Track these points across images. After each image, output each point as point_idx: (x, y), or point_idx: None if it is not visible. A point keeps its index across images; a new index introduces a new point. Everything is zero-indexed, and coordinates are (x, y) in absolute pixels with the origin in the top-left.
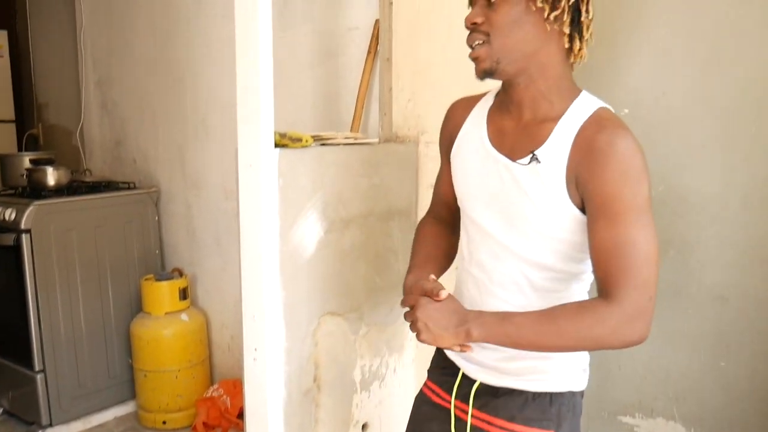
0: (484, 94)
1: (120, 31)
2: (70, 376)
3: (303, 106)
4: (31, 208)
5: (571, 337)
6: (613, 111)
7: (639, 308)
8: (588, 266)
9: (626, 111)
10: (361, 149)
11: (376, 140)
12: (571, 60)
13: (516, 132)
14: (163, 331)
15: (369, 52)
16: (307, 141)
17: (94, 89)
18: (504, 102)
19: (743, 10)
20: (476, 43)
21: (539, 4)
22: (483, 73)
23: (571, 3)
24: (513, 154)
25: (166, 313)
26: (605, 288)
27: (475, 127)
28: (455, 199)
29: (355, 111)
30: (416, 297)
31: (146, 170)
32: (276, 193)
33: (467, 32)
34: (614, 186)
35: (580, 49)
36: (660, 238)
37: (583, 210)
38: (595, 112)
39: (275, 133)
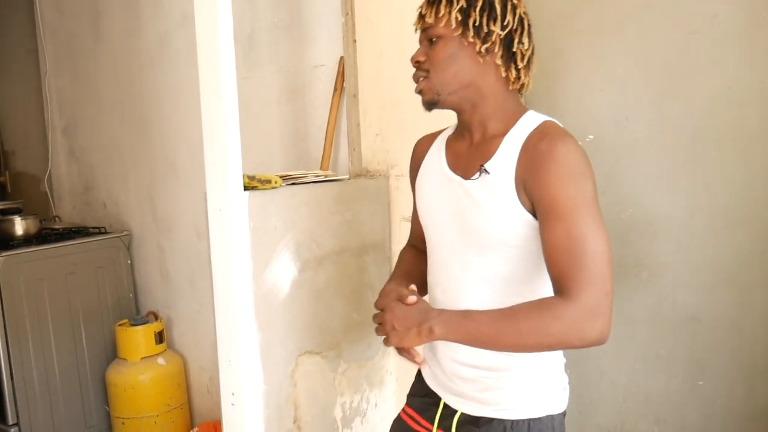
0: (444, 130)
1: (84, 76)
2: (45, 427)
3: (272, 144)
4: None
5: (531, 335)
6: (559, 124)
7: (596, 304)
8: (545, 278)
9: (591, 137)
10: (331, 186)
11: (347, 176)
12: (510, 87)
13: (468, 153)
14: (140, 376)
15: (335, 89)
16: (276, 182)
17: (60, 135)
18: (459, 128)
19: (696, 43)
20: (420, 78)
21: (471, 39)
22: (427, 105)
23: (503, 36)
24: (466, 173)
25: (142, 358)
26: (560, 286)
27: (435, 155)
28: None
29: (324, 148)
30: (388, 300)
31: (117, 214)
32: (247, 236)
33: None
34: (559, 186)
35: (518, 77)
36: (631, 261)
37: (534, 215)
38: (540, 124)
39: (244, 176)
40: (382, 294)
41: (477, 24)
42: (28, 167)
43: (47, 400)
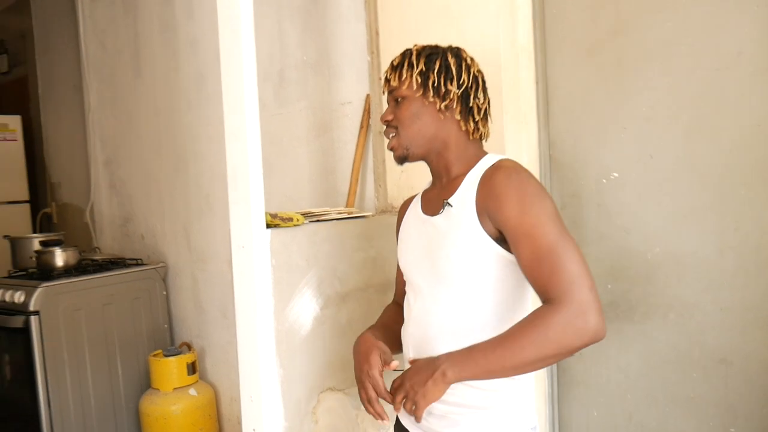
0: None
1: (126, 113)
2: None
3: (301, 179)
4: (39, 290)
5: (533, 348)
6: (514, 161)
7: (583, 300)
8: (514, 314)
9: (615, 175)
10: (354, 223)
11: (371, 213)
12: (470, 138)
13: (437, 195)
14: (172, 407)
15: (362, 126)
16: (298, 220)
17: (102, 169)
18: (432, 176)
19: (722, 79)
20: (390, 135)
21: (431, 99)
22: (399, 159)
23: (459, 94)
24: (434, 212)
25: (174, 389)
26: (546, 296)
27: (413, 206)
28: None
29: (351, 184)
30: (397, 381)
31: (154, 246)
32: (269, 273)
33: None
34: (520, 208)
35: (476, 128)
36: (658, 301)
37: (497, 241)
38: (496, 161)
39: (266, 214)
40: (358, 343)
41: (436, 85)
42: (73, 199)
43: (82, 427)
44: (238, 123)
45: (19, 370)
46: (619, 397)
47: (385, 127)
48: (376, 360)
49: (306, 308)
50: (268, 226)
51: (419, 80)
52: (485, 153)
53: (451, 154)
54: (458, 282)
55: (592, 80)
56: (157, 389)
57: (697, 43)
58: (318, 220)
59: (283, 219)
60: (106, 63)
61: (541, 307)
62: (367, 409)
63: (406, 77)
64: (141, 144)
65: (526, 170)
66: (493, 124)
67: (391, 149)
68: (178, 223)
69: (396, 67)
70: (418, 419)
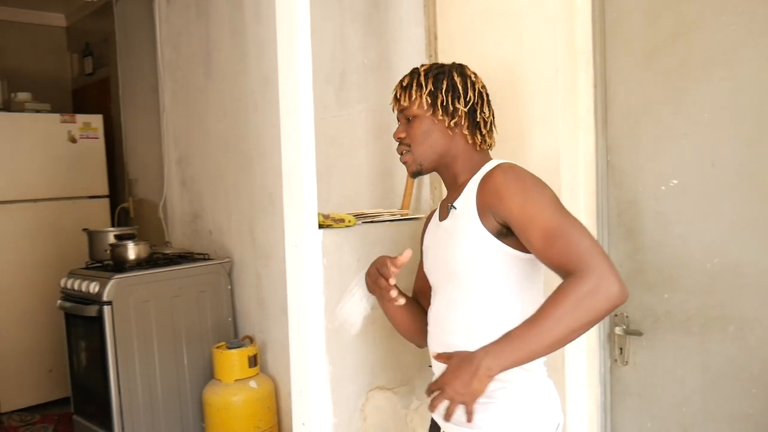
0: None
1: (197, 113)
2: None
3: (359, 181)
4: (112, 281)
5: (569, 318)
6: (512, 162)
7: (603, 266)
8: (523, 305)
9: (675, 182)
10: (407, 225)
11: (423, 215)
12: (478, 149)
13: (447, 201)
14: (233, 398)
15: None
16: (350, 221)
17: (175, 166)
18: (444, 185)
19: None
20: (403, 152)
21: (440, 117)
22: (413, 174)
23: (467, 110)
24: (444, 217)
25: (235, 380)
26: (565, 271)
27: (434, 216)
28: (426, 287)
29: (406, 186)
30: (435, 385)
31: (220, 242)
32: (320, 272)
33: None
34: (522, 199)
35: (483, 141)
36: (717, 313)
37: (498, 236)
38: (496, 165)
39: (318, 215)
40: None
41: (444, 104)
42: (148, 194)
43: (149, 414)
44: (293, 126)
45: (93, 356)
46: (674, 410)
47: (397, 143)
48: (383, 259)
49: (356, 307)
50: (321, 226)
51: (429, 100)
52: (490, 158)
53: (459, 165)
54: (466, 279)
55: (652, 85)
56: (220, 380)
57: (762, 46)
58: (370, 222)
59: (335, 220)
60: (179, 65)
61: (565, 281)
62: (373, 290)
63: (416, 97)
64: (210, 143)
65: (522, 167)
66: (548, 127)
67: (404, 163)
68: (243, 220)
69: (405, 87)
70: (470, 419)
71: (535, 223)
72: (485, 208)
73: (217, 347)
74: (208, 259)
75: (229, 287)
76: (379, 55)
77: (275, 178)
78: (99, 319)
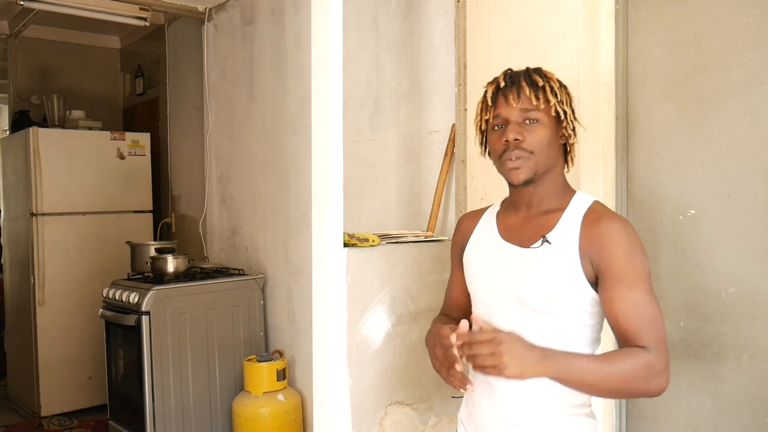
0: (488, 207)
1: (238, 134)
2: None
3: (389, 203)
4: (151, 292)
5: (620, 377)
6: (606, 206)
7: (666, 359)
8: (585, 347)
9: (692, 212)
10: (430, 246)
11: (446, 237)
12: (567, 169)
13: (523, 225)
14: (261, 410)
15: (446, 154)
16: (374, 241)
17: (216, 184)
18: (512, 203)
19: None
20: (521, 157)
21: (562, 132)
22: (524, 182)
23: (572, 128)
24: (523, 243)
25: (264, 393)
26: (634, 343)
27: (486, 228)
28: (464, 300)
29: (432, 209)
30: (494, 332)
31: (255, 258)
32: (344, 288)
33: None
34: (626, 260)
35: (572, 161)
36: (731, 341)
37: (591, 284)
38: (592, 204)
39: (344, 234)
40: (434, 334)
41: (569, 119)
42: (190, 211)
43: (181, 421)
44: (323, 150)
45: (130, 364)
46: None
47: (506, 149)
48: (446, 330)
49: (378, 324)
50: (346, 245)
51: (558, 111)
52: (573, 190)
53: (551, 186)
54: (545, 314)
55: (673, 117)
56: (249, 392)
57: None
58: (394, 242)
59: (359, 239)
60: (224, 88)
61: (637, 348)
62: (447, 381)
63: (551, 103)
64: (249, 163)
65: (624, 220)
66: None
67: (516, 169)
68: (278, 238)
69: (536, 87)
70: (495, 372)
71: (629, 288)
72: (587, 253)
73: (248, 360)
74: (243, 274)
75: (262, 302)
76: (411, 82)
77: (309, 198)
78: (137, 329)
